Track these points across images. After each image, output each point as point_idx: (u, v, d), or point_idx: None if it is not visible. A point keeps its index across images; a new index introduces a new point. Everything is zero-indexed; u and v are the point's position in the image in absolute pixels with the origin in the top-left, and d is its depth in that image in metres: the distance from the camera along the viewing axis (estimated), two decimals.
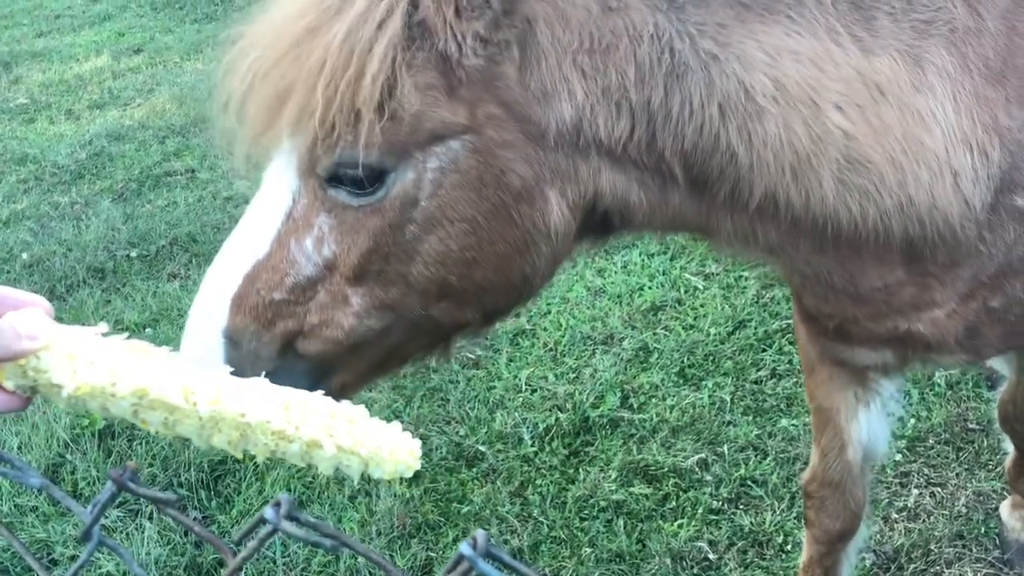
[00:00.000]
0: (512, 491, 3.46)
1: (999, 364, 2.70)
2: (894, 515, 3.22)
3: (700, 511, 3.28)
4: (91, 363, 1.08)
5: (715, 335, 4.14)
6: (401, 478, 3.68)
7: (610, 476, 3.46)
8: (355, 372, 1.68)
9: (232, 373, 1.17)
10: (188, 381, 1.10)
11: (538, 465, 3.57)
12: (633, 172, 1.61)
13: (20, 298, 1.13)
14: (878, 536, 3.15)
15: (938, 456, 3.43)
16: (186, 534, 3.32)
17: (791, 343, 3.92)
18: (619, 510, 3.33)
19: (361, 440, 1.14)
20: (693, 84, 1.54)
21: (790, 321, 3.97)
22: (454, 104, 1.50)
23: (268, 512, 0.69)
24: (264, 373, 1.30)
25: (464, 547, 0.60)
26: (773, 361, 3.94)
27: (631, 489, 3.40)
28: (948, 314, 1.87)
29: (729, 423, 3.67)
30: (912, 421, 3.56)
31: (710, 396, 3.79)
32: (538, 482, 3.48)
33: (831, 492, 2.57)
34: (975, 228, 1.70)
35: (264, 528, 0.71)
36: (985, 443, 3.44)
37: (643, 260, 4.71)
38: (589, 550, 3.19)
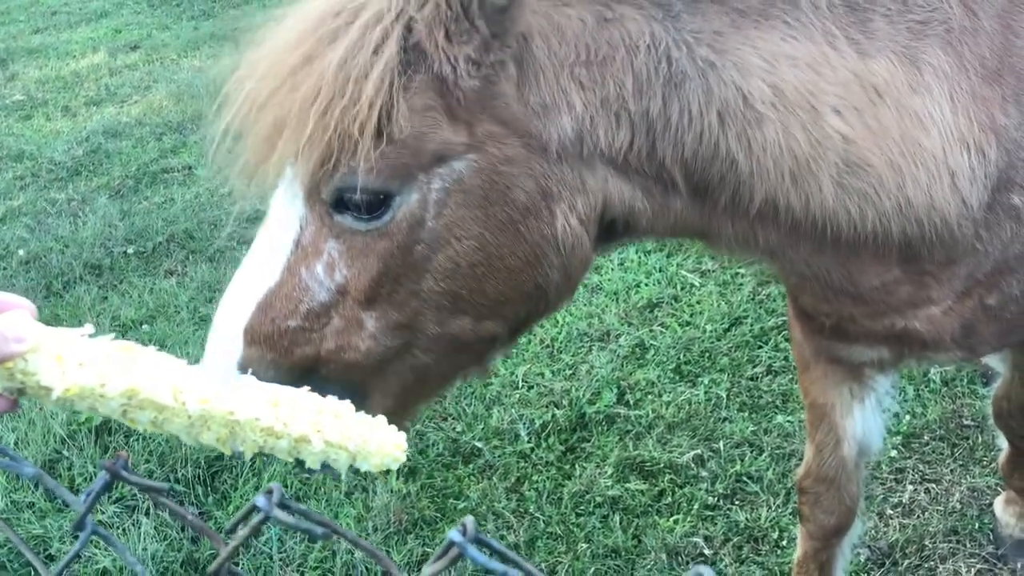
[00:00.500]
0: (508, 487, 3.46)
1: (994, 361, 2.71)
2: (889, 511, 3.23)
3: (696, 507, 3.28)
4: (80, 364, 1.08)
5: (711, 332, 4.14)
6: (397, 474, 3.67)
7: (606, 472, 3.47)
8: (391, 396, 1.66)
9: None
10: (177, 380, 1.10)
11: (534, 461, 3.57)
12: (637, 180, 1.61)
13: (5, 301, 1.13)
14: (873, 532, 3.16)
15: (933, 452, 3.44)
16: (183, 529, 3.32)
17: (787, 340, 3.92)
18: (615, 506, 3.34)
19: (348, 434, 1.15)
20: (691, 92, 1.54)
21: (786, 318, 3.98)
22: (454, 124, 1.50)
23: (260, 500, 0.70)
24: None
25: (454, 534, 0.61)
26: (769, 358, 3.95)
27: (627, 485, 3.41)
28: (944, 311, 1.87)
29: (725, 419, 3.68)
30: (907, 417, 3.57)
31: (706, 392, 3.80)
32: (534, 478, 3.49)
33: (826, 488, 2.57)
34: (972, 227, 1.71)
35: (256, 516, 0.72)
36: (980, 439, 3.45)
37: (640, 257, 4.72)
38: (585, 546, 3.20)
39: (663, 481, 3.41)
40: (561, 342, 4.21)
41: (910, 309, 1.87)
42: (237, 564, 3.19)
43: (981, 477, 3.31)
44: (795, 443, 3.49)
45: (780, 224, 1.67)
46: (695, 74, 1.53)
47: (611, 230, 1.69)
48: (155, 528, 3.31)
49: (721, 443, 3.55)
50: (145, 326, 4.56)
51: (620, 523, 3.26)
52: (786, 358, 3.90)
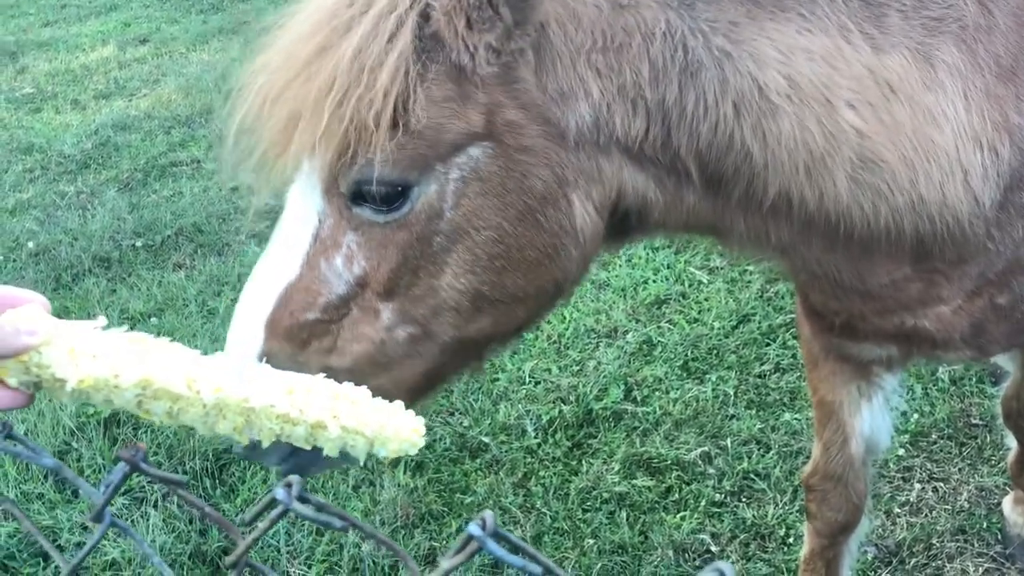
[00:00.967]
0: (515, 482, 3.47)
1: (1003, 360, 2.70)
2: (896, 509, 3.23)
3: (703, 504, 3.29)
4: (93, 356, 1.08)
5: (719, 329, 4.14)
6: (404, 468, 3.67)
7: (613, 468, 3.47)
8: (396, 390, 1.64)
9: None
10: (191, 370, 1.11)
11: (541, 457, 3.58)
12: (651, 170, 1.60)
13: (17, 295, 1.14)
14: (880, 530, 3.16)
15: (941, 451, 3.44)
16: (191, 521, 3.33)
17: (795, 338, 3.92)
18: (622, 502, 3.34)
19: (365, 420, 1.14)
20: (707, 81, 1.53)
21: (794, 316, 3.97)
22: (471, 113, 1.49)
23: (279, 493, 0.70)
24: None
25: (473, 527, 0.61)
26: (777, 355, 3.95)
27: (634, 481, 3.41)
28: (954, 310, 1.87)
29: (732, 417, 3.68)
30: (915, 416, 3.57)
31: (713, 390, 3.80)
32: (541, 473, 3.50)
33: (833, 485, 2.57)
34: (984, 225, 1.70)
35: (276, 508, 0.72)
36: (988, 439, 3.44)
37: (648, 254, 4.72)
38: (592, 541, 3.20)
39: (670, 478, 3.41)
40: (568, 338, 4.21)
41: (920, 307, 1.87)
42: (250, 551, 3.21)
43: (989, 476, 3.31)
44: (803, 441, 3.49)
45: (793, 219, 1.67)
46: (711, 63, 1.53)
47: (624, 224, 1.69)
48: (163, 520, 3.32)
49: (728, 440, 3.55)
50: (153, 319, 4.58)
51: (627, 519, 3.26)
52: (794, 356, 3.90)
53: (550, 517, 3.31)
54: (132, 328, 1.14)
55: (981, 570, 2.99)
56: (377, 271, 1.54)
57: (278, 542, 3.24)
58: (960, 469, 3.35)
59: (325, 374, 1.23)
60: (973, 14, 1.63)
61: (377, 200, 1.50)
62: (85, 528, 3.34)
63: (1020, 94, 1.66)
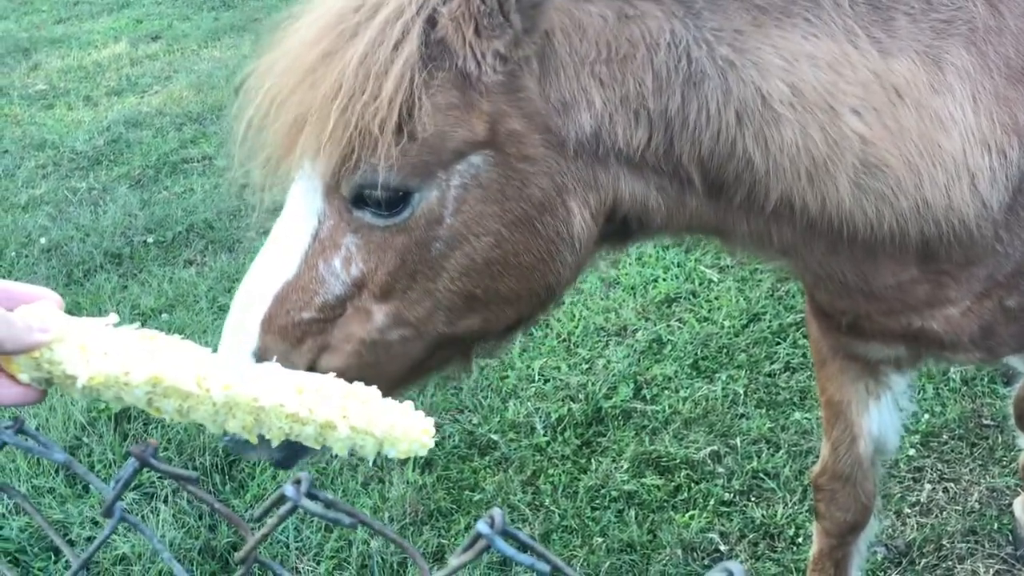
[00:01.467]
0: (524, 480, 3.47)
1: (1015, 361, 2.69)
2: (907, 509, 3.22)
3: (712, 503, 3.28)
4: (104, 353, 1.09)
5: (729, 328, 4.13)
6: (413, 466, 3.68)
7: (622, 467, 3.47)
8: (376, 383, 1.68)
9: None
10: (201, 368, 1.11)
11: (550, 455, 3.58)
12: (652, 178, 1.61)
13: (30, 292, 1.15)
14: (890, 530, 3.15)
15: (952, 452, 3.42)
16: (200, 517, 3.35)
17: (805, 337, 3.91)
18: (631, 501, 3.34)
19: (375, 420, 1.14)
20: (710, 91, 1.53)
21: (804, 315, 3.96)
22: (475, 121, 1.49)
23: (288, 489, 0.70)
24: None
25: (482, 525, 0.61)
26: (787, 354, 3.94)
27: (643, 480, 3.41)
28: (963, 312, 1.86)
29: (742, 416, 3.67)
30: (926, 416, 3.55)
31: (723, 389, 3.80)
32: (550, 472, 3.50)
33: (841, 485, 2.57)
34: (992, 228, 1.69)
35: (285, 505, 0.72)
36: (999, 439, 3.43)
37: (658, 252, 4.71)
38: (600, 540, 3.20)
39: (679, 477, 3.41)
40: (578, 336, 4.21)
41: (927, 309, 1.86)
42: (259, 547, 3.21)
43: (1000, 477, 3.29)
44: (812, 440, 3.48)
45: (796, 223, 1.67)
46: (714, 73, 1.53)
47: (625, 228, 1.70)
48: (173, 515, 3.34)
49: (738, 439, 3.55)
50: (164, 315, 4.60)
51: (635, 518, 3.26)
52: (804, 355, 3.89)
53: (559, 515, 3.31)
54: (143, 324, 1.15)
55: (992, 572, 2.98)
56: (375, 273, 1.56)
57: (287, 538, 3.25)
58: (971, 470, 3.34)
59: (317, 371, 1.23)
60: (983, 16, 1.62)
61: (378, 204, 1.51)
62: (96, 523, 3.35)
63: None
